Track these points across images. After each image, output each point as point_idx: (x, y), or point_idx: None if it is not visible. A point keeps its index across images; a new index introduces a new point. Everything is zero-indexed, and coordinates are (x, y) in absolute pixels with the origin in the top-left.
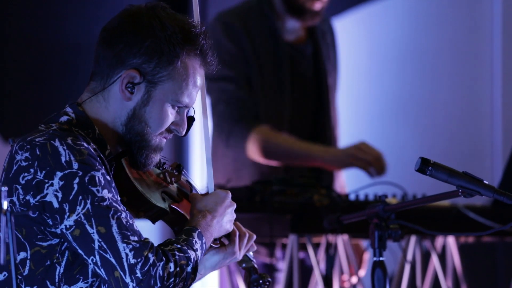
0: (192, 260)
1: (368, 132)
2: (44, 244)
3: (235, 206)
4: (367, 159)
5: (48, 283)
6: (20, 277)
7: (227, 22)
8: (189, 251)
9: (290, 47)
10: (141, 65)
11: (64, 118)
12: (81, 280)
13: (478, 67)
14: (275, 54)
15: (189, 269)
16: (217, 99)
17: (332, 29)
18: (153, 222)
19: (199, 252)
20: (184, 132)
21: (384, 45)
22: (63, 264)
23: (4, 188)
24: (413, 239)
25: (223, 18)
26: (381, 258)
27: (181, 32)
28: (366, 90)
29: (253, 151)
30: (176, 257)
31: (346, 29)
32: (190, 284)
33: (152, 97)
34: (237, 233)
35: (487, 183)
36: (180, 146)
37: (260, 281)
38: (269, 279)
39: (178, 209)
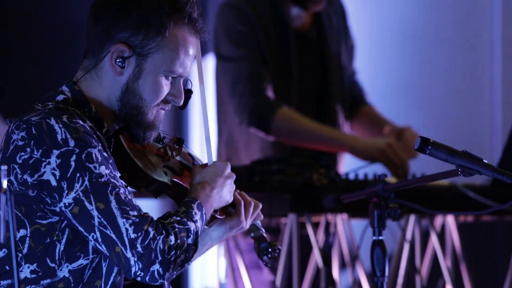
0: (192, 232)
1: None
2: (44, 222)
3: (234, 177)
4: (395, 161)
5: (48, 260)
6: (20, 254)
7: (237, 6)
8: (188, 222)
9: (296, 34)
10: (129, 39)
11: (60, 97)
12: (81, 257)
13: (478, 46)
14: (284, 41)
15: (189, 240)
16: (236, 78)
17: (343, 9)
18: (156, 197)
19: (199, 224)
20: (181, 102)
21: (384, 26)
22: (63, 241)
23: (4, 167)
24: (412, 218)
25: (233, 2)
26: (380, 237)
27: (167, 1)
28: (366, 71)
29: (277, 131)
30: (176, 229)
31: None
32: (192, 256)
33: (144, 70)
34: (242, 203)
35: (486, 162)
36: (179, 123)
37: (270, 249)
38: (279, 247)
39: (180, 182)
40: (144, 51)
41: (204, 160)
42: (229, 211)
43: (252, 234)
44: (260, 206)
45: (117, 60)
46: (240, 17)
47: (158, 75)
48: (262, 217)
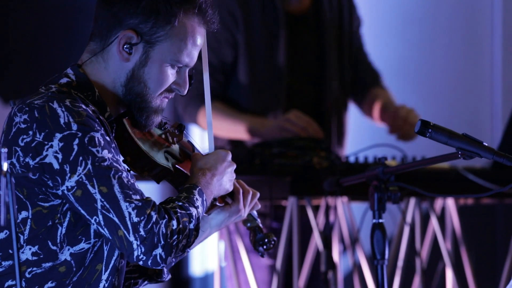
0: (194, 217)
1: None
2: (46, 204)
3: (235, 166)
4: (296, 128)
5: (49, 243)
6: (21, 236)
7: None
8: (190, 208)
9: (290, 17)
10: (138, 25)
11: (64, 80)
12: (83, 241)
13: (478, 30)
14: (273, 25)
15: (191, 226)
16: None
17: None
18: (158, 182)
19: (200, 209)
20: (185, 92)
21: (383, 9)
22: (65, 224)
23: (4, 150)
24: (412, 201)
25: None
26: (380, 220)
27: None
28: None
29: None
30: (178, 214)
31: None
32: (193, 241)
33: (150, 58)
34: (241, 191)
35: (486, 145)
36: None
37: (266, 240)
38: (275, 238)
39: (181, 168)
40: (152, 39)
41: (203, 147)
42: (227, 200)
43: (248, 224)
44: (258, 195)
45: (125, 46)
46: (219, 11)
47: (164, 64)
48: (259, 206)
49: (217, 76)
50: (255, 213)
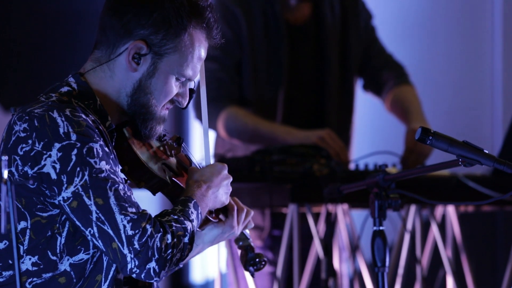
0: (188, 231)
1: (368, 102)
2: (44, 214)
3: (231, 179)
4: (330, 152)
5: (49, 253)
6: (21, 246)
7: (225, 5)
8: (185, 221)
9: (290, 27)
10: (148, 37)
11: (65, 89)
12: (82, 251)
13: (479, 36)
14: (275, 34)
15: (186, 239)
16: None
17: None
18: (154, 194)
19: (195, 223)
20: (185, 104)
21: (383, 16)
22: (64, 234)
23: (4, 158)
24: (413, 208)
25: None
26: (381, 228)
27: (189, 4)
28: None
29: (221, 130)
30: (173, 228)
31: None
32: (187, 255)
33: (158, 69)
34: (235, 208)
35: (487, 152)
36: (179, 116)
37: (257, 260)
38: (265, 259)
39: (178, 182)
40: (161, 51)
41: (202, 160)
42: (220, 217)
43: (240, 243)
44: (252, 213)
45: (134, 57)
46: (227, 17)
47: (171, 76)
48: (252, 225)
49: (234, 77)
50: (247, 232)
